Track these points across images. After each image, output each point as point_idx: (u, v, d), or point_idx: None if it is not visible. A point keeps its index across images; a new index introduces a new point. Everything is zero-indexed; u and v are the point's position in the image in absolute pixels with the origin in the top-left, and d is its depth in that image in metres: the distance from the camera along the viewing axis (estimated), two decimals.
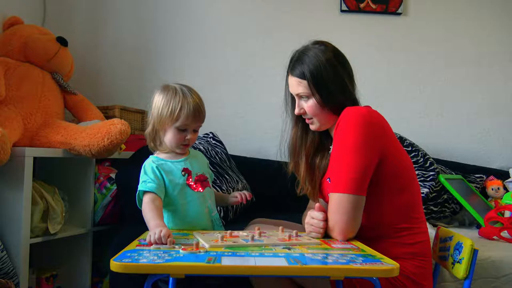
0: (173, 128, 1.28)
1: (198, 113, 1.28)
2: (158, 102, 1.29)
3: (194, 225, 1.30)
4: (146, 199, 1.23)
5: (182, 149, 1.33)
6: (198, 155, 1.42)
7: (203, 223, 1.32)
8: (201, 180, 1.33)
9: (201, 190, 1.32)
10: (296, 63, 1.34)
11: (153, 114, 1.30)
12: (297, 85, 1.32)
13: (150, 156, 1.34)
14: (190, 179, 1.31)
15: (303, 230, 1.26)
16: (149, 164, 1.30)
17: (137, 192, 1.25)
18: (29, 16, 2.24)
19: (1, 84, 1.75)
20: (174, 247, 1.02)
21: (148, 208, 1.21)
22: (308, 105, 1.32)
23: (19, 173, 1.63)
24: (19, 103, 1.85)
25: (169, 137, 1.29)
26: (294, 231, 1.18)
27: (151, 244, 1.04)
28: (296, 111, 1.36)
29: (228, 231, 1.18)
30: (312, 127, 1.37)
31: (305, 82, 1.30)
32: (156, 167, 1.28)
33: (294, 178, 1.46)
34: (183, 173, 1.31)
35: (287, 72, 1.38)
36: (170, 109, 1.26)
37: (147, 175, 1.27)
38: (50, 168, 1.98)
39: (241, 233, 1.20)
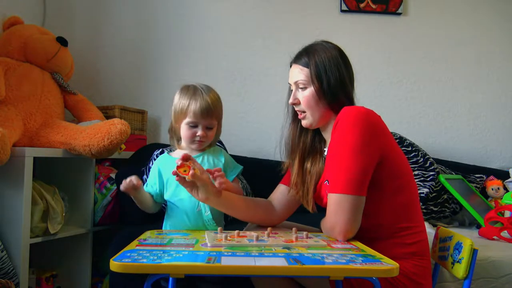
0: (184, 124, 1.32)
1: (206, 110, 1.30)
2: (175, 100, 1.36)
3: (184, 224, 1.30)
4: None
5: (197, 145, 1.35)
6: (217, 152, 1.42)
7: (193, 223, 1.31)
8: None
9: None
10: (301, 54, 1.35)
11: (171, 112, 1.37)
12: (298, 73, 1.33)
13: (163, 149, 1.41)
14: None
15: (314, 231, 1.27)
16: (155, 162, 1.37)
17: None
18: (29, 16, 2.24)
19: (1, 84, 1.75)
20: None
21: None
22: (304, 95, 1.31)
23: (19, 173, 1.63)
24: (19, 103, 1.85)
25: (182, 133, 1.34)
26: (305, 233, 1.17)
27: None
28: (291, 100, 1.35)
29: (236, 231, 1.18)
30: (303, 122, 1.35)
31: (307, 70, 1.31)
32: (158, 167, 1.34)
33: None
34: None
35: (291, 64, 1.38)
36: (180, 106, 1.32)
37: (150, 176, 1.36)
38: (50, 168, 1.98)
39: (248, 233, 1.19)
